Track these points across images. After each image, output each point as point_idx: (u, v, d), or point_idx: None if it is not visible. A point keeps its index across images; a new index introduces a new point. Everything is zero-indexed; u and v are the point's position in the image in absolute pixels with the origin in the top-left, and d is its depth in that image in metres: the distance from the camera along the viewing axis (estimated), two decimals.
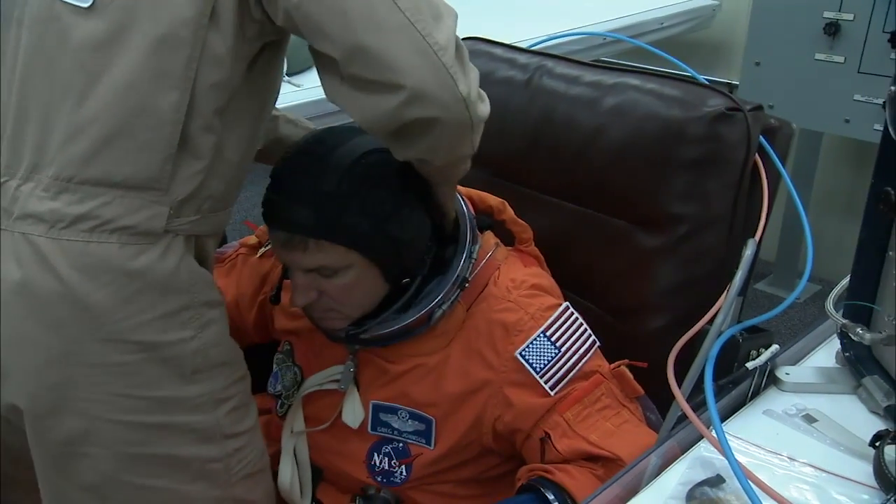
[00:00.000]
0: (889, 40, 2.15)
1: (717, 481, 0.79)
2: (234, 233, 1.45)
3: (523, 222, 1.22)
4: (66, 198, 0.87)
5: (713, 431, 0.78)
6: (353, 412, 1.14)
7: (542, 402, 1.05)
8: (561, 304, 1.11)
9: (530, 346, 1.06)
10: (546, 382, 1.05)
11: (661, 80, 1.26)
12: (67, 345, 0.88)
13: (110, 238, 0.88)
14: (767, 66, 2.49)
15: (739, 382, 0.92)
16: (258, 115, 0.99)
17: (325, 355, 1.19)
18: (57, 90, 0.88)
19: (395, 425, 1.13)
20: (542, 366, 1.05)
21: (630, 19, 2.59)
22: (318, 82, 2.13)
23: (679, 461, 0.84)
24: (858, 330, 0.90)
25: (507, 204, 1.23)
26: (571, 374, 1.06)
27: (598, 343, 1.11)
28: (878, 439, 0.81)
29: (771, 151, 1.19)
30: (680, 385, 0.87)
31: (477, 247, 1.12)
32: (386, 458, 1.14)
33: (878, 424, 0.87)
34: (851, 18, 2.27)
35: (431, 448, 1.12)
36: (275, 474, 1.17)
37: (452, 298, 1.09)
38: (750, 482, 0.72)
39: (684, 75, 1.36)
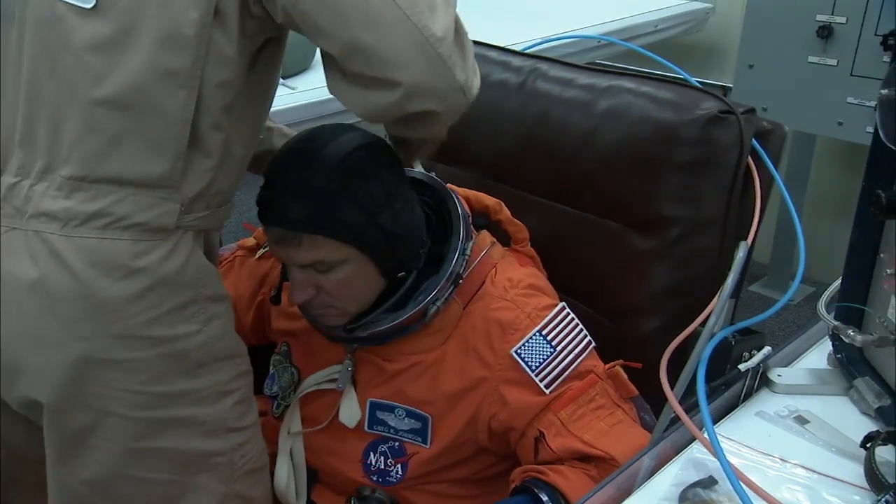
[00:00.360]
0: (881, 43, 2.16)
1: (709, 483, 0.80)
2: (232, 235, 1.45)
3: (519, 222, 1.23)
4: (79, 196, 0.88)
5: (705, 433, 0.78)
6: (350, 412, 1.14)
7: (537, 400, 1.06)
8: (557, 304, 1.12)
9: (526, 344, 1.06)
10: (541, 381, 1.05)
11: (655, 83, 1.26)
12: (82, 341, 0.88)
13: (122, 235, 0.89)
14: (761, 69, 2.50)
15: (732, 384, 0.93)
16: (261, 109, 1.01)
17: (323, 356, 1.19)
18: (64, 91, 0.88)
19: (392, 423, 1.14)
20: (537, 364, 1.06)
21: (624, 22, 2.60)
22: (313, 85, 2.14)
23: (672, 462, 0.85)
24: (850, 332, 0.90)
25: (503, 204, 1.23)
26: (566, 373, 1.06)
27: (593, 343, 1.11)
28: (870, 440, 0.82)
29: (763, 154, 1.20)
30: (673, 387, 0.88)
31: (471, 244, 1.12)
32: (382, 458, 1.14)
33: (870, 426, 0.87)
34: (844, 21, 2.28)
35: (427, 446, 1.12)
36: (270, 476, 1.17)
37: (447, 295, 1.09)
38: (742, 483, 0.72)
39: (678, 78, 1.36)
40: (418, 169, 1.24)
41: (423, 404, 1.12)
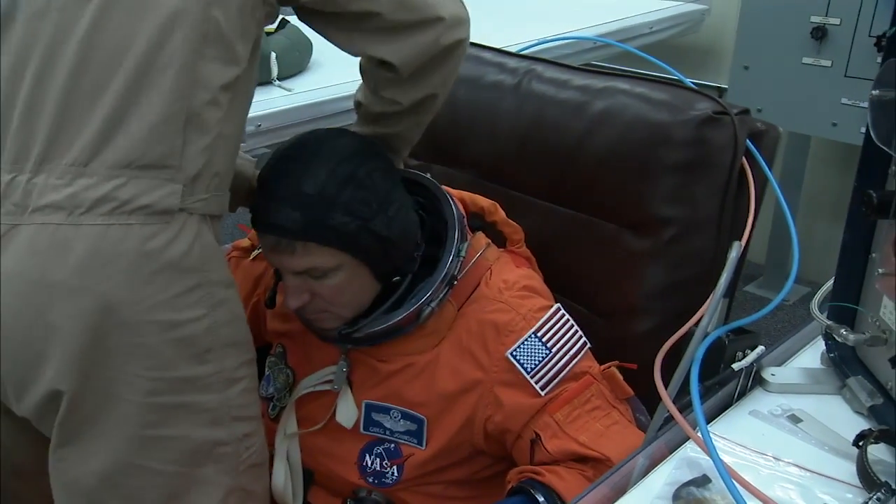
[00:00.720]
0: (875, 44, 2.18)
1: (703, 481, 0.80)
2: (227, 237, 1.46)
3: (515, 223, 1.24)
4: (82, 182, 0.88)
5: (699, 432, 0.79)
6: (347, 412, 1.15)
7: (533, 402, 1.06)
8: (553, 306, 1.12)
9: (521, 346, 1.07)
10: (537, 383, 1.06)
11: (649, 84, 1.27)
12: (93, 329, 0.88)
13: (129, 219, 0.89)
14: (756, 70, 2.51)
15: (726, 383, 0.93)
16: (252, 90, 1.01)
17: (318, 357, 1.19)
18: (69, 79, 0.88)
19: (388, 425, 1.14)
20: (532, 366, 1.06)
21: (620, 24, 2.60)
22: (309, 87, 2.13)
23: (666, 461, 0.85)
24: (842, 331, 0.91)
25: (498, 206, 1.24)
26: (562, 374, 1.07)
27: (588, 345, 1.11)
28: (862, 439, 0.82)
29: (757, 154, 1.21)
30: (667, 386, 0.88)
31: (466, 245, 1.13)
32: (378, 460, 1.15)
33: (862, 424, 0.88)
34: (838, 23, 2.29)
35: (423, 448, 1.13)
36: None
37: (441, 296, 1.10)
38: (735, 482, 0.72)
39: (672, 79, 1.37)
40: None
41: (419, 406, 1.12)
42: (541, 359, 1.06)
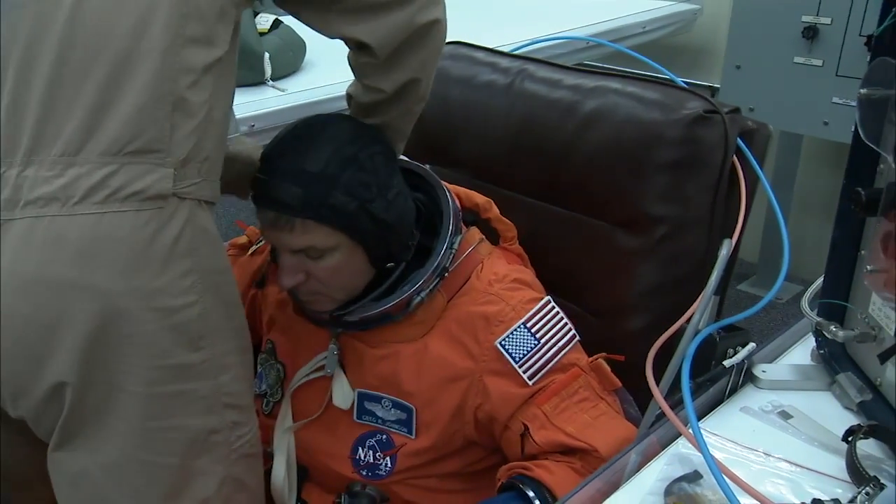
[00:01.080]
0: (866, 44, 2.19)
1: (694, 477, 0.81)
2: (225, 234, 1.46)
3: (508, 221, 1.25)
4: (73, 172, 0.88)
5: (690, 429, 0.79)
6: (343, 393, 1.16)
7: (520, 392, 1.07)
8: (543, 298, 1.13)
9: (510, 336, 1.08)
10: (524, 372, 1.07)
11: (641, 83, 1.28)
12: (92, 319, 0.88)
13: (123, 206, 0.89)
14: (748, 70, 2.51)
15: (717, 380, 0.94)
16: (234, 79, 1.02)
17: (308, 347, 1.20)
18: (51, 70, 0.88)
19: (379, 414, 1.15)
20: (521, 356, 1.07)
21: (612, 23, 2.61)
22: (303, 87, 2.14)
23: (658, 458, 0.86)
24: (832, 328, 0.91)
25: (492, 203, 1.25)
26: (550, 365, 1.08)
27: (577, 337, 1.12)
28: (851, 434, 0.83)
29: (748, 153, 1.21)
30: (659, 383, 0.89)
31: (459, 238, 1.14)
32: (371, 452, 1.16)
33: (852, 420, 0.88)
34: (829, 22, 2.30)
35: (413, 437, 1.13)
36: (266, 474, 1.17)
37: (431, 286, 1.11)
38: (725, 477, 0.73)
39: (664, 79, 1.38)
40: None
41: (408, 395, 1.13)
42: (529, 349, 1.07)
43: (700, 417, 0.89)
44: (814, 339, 0.99)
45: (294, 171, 1.04)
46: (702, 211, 1.21)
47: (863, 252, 0.91)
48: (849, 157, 0.89)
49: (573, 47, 2.39)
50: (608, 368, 1.11)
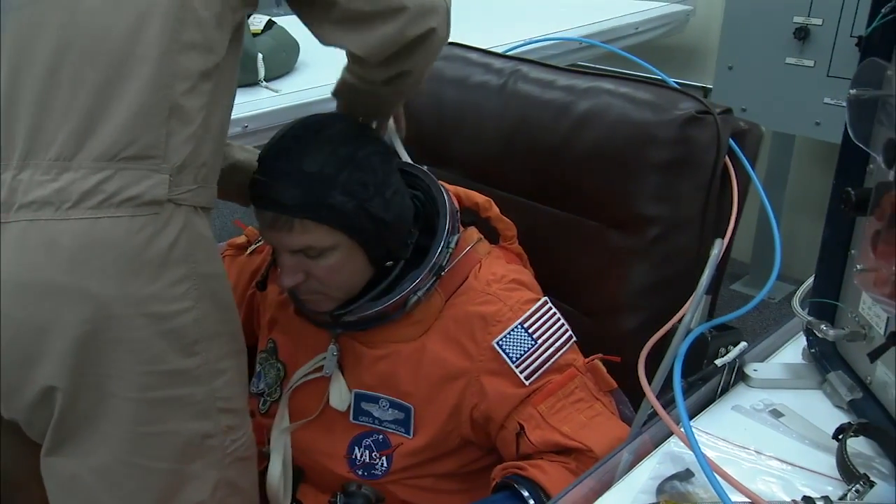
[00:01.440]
0: (857, 44, 2.19)
1: (686, 475, 0.81)
2: (224, 234, 1.46)
3: (508, 220, 1.25)
4: (68, 177, 0.88)
5: (682, 427, 0.80)
6: (340, 395, 1.16)
7: (517, 391, 1.08)
8: (540, 299, 1.13)
9: (507, 336, 1.08)
10: (521, 372, 1.07)
11: (633, 84, 1.28)
12: (84, 323, 0.88)
13: (117, 212, 0.88)
14: (740, 70, 2.53)
15: (709, 379, 0.94)
16: (235, 82, 1.02)
17: (308, 347, 1.20)
18: (46, 74, 0.88)
19: (376, 414, 1.15)
20: (518, 356, 1.08)
21: (605, 24, 2.62)
22: (297, 88, 2.14)
23: (650, 456, 0.86)
24: (823, 327, 0.92)
25: (492, 202, 1.26)
26: (546, 365, 1.08)
27: (574, 338, 1.13)
28: (841, 432, 0.83)
29: (740, 153, 1.22)
30: (651, 382, 0.90)
31: (456, 238, 1.15)
32: (367, 451, 1.16)
33: (842, 418, 0.89)
34: (820, 23, 2.31)
35: (410, 437, 1.14)
36: (262, 474, 1.17)
37: (428, 286, 1.11)
38: (717, 476, 0.74)
39: (656, 79, 1.38)
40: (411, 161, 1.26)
41: (406, 395, 1.13)
42: (526, 349, 1.08)
43: (692, 416, 0.90)
44: (805, 338, 1.00)
45: (292, 172, 1.05)
46: (694, 211, 1.22)
47: (853, 251, 0.91)
48: (839, 156, 0.89)
49: (566, 48, 2.40)
50: (604, 369, 1.11)
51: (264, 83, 2.00)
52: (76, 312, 0.87)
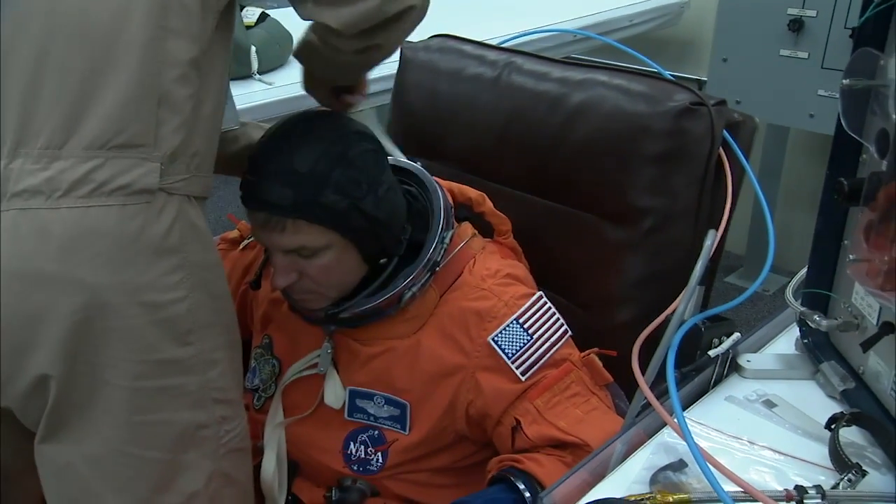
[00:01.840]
0: (851, 36, 2.19)
1: (679, 466, 0.82)
2: (218, 228, 1.46)
3: (502, 215, 1.25)
4: (58, 165, 0.87)
5: (675, 418, 0.80)
6: (335, 393, 1.16)
7: (513, 387, 1.07)
8: (535, 294, 1.13)
9: (503, 332, 1.08)
10: (517, 368, 1.07)
11: (628, 75, 1.28)
12: (76, 313, 0.88)
13: (108, 200, 0.88)
14: (734, 63, 2.53)
15: (702, 370, 0.95)
16: (226, 68, 1.01)
17: (303, 344, 1.20)
18: (34, 63, 0.88)
19: (371, 411, 1.15)
20: (513, 351, 1.08)
21: (600, 16, 2.62)
22: (289, 81, 2.14)
23: (644, 447, 0.86)
24: (816, 317, 0.92)
25: (486, 197, 1.25)
26: (542, 360, 1.08)
27: (569, 332, 1.13)
28: (834, 422, 0.84)
29: (734, 145, 1.22)
30: (645, 373, 0.90)
31: (450, 233, 1.14)
32: (362, 447, 1.16)
33: (835, 408, 0.89)
34: (814, 15, 2.31)
35: (406, 433, 1.14)
36: (256, 469, 1.17)
37: (423, 281, 1.11)
38: (710, 465, 0.74)
39: (651, 71, 1.38)
40: (403, 158, 1.26)
41: (401, 391, 1.13)
42: (522, 345, 1.08)
43: (685, 407, 0.90)
44: (798, 329, 1.00)
45: (283, 172, 1.04)
46: (688, 203, 1.22)
47: (846, 242, 0.91)
48: (832, 147, 0.90)
49: (561, 40, 2.40)
50: (600, 363, 1.11)
51: (258, 76, 2.00)
52: (69, 301, 0.87)
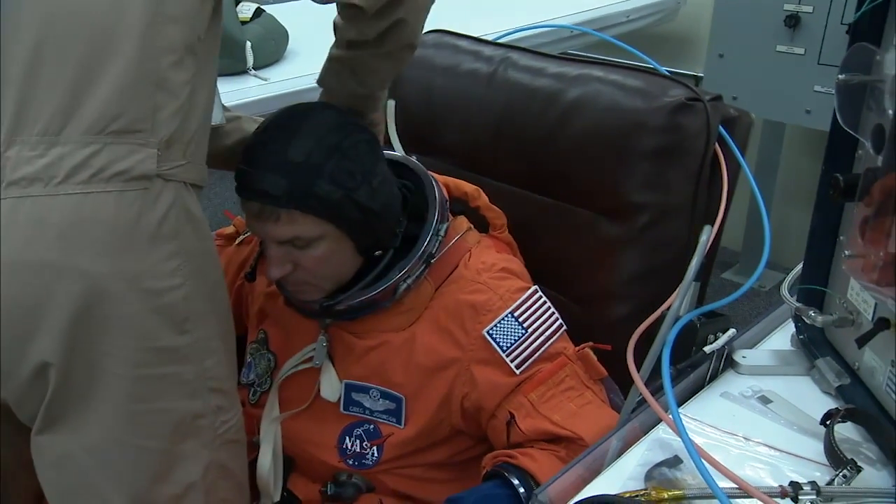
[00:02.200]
0: (847, 32, 2.19)
1: (674, 462, 0.82)
2: (214, 224, 1.46)
3: (497, 209, 1.25)
4: (56, 152, 0.87)
5: (670, 414, 0.80)
6: (331, 386, 1.16)
7: (508, 380, 1.08)
8: (530, 287, 1.13)
9: (498, 325, 1.08)
10: (512, 361, 1.07)
11: (624, 71, 1.28)
12: (75, 300, 0.87)
13: (107, 186, 0.88)
14: (731, 59, 2.52)
15: (698, 366, 0.95)
16: (216, 57, 1.01)
17: (298, 338, 1.20)
18: (31, 50, 0.87)
19: (367, 405, 1.15)
20: (508, 345, 1.08)
21: (596, 12, 2.62)
22: (284, 76, 2.13)
23: (639, 443, 0.86)
24: (811, 313, 0.92)
25: (481, 191, 1.25)
26: (537, 354, 1.08)
27: (564, 326, 1.13)
28: (829, 418, 0.84)
29: (730, 141, 1.22)
30: (640, 369, 0.90)
31: (445, 226, 1.14)
32: (357, 441, 1.16)
33: (830, 404, 0.89)
34: (811, 11, 2.31)
35: (402, 427, 1.14)
36: (252, 464, 1.17)
37: (417, 273, 1.11)
38: (705, 462, 0.74)
39: (647, 67, 1.38)
40: (400, 152, 1.26)
41: (397, 385, 1.13)
42: (516, 338, 1.08)
43: (680, 403, 0.90)
44: (793, 325, 1.00)
45: (278, 162, 1.04)
46: (684, 199, 1.22)
47: (841, 238, 0.91)
48: (827, 143, 0.89)
49: (557, 36, 2.40)
50: (594, 358, 1.11)
51: (253, 71, 1.99)
52: (68, 289, 0.87)
